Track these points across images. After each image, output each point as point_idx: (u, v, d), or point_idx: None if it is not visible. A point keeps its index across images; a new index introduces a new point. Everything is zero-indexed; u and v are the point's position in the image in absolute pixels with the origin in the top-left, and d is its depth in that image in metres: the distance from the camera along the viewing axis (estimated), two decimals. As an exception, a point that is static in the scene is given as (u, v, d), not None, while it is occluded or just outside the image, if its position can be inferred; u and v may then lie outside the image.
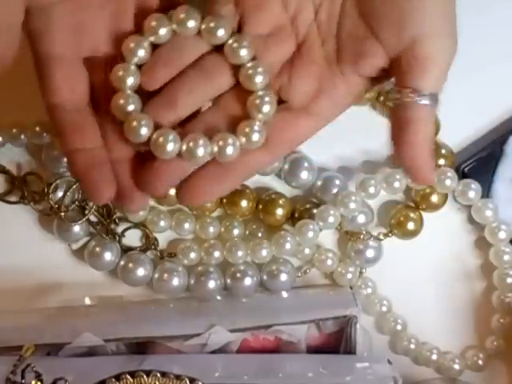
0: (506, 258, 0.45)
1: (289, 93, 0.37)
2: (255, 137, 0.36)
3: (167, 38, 0.36)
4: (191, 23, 0.36)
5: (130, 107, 0.36)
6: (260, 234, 0.46)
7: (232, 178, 0.38)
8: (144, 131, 0.36)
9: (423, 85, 0.36)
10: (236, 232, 0.45)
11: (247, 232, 0.46)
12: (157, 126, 0.36)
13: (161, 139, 0.36)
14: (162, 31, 0.36)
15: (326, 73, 0.37)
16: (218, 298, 0.45)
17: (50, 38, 0.36)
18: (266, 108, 0.36)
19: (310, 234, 0.44)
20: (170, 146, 0.36)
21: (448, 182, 0.44)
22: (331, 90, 0.37)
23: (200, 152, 0.36)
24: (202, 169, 0.37)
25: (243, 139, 0.36)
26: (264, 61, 0.37)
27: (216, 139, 0.36)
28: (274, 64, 0.37)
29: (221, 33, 0.36)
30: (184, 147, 0.36)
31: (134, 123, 0.36)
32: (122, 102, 0.36)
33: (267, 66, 0.37)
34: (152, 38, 0.36)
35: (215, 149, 0.36)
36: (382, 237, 0.46)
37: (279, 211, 0.45)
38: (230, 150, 0.36)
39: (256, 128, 0.36)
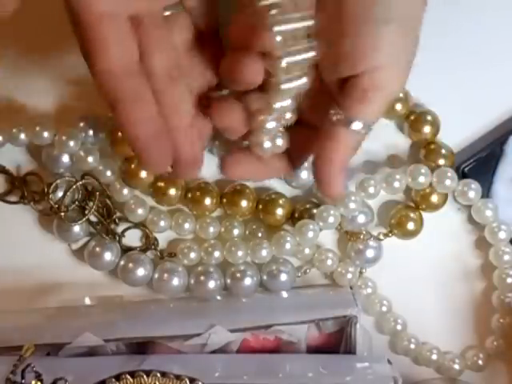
0: (506, 258, 0.45)
1: None
2: None
3: None
4: None
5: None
6: (260, 234, 0.46)
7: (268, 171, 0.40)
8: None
9: (363, 114, 0.35)
10: (236, 232, 0.45)
11: (247, 232, 0.46)
12: None
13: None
14: None
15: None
16: (218, 297, 0.45)
17: None
18: None
19: (310, 234, 0.44)
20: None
21: (448, 182, 0.44)
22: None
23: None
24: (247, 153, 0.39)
25: None
26: None
27: None
28: None
29: None
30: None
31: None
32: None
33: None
34: None
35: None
36: (382, 237, 0.46)
37: (279, 211, 0.45)
38: None
39: None
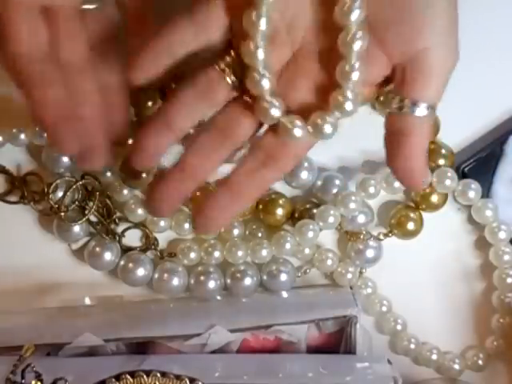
0: (506, 258, 0.45)
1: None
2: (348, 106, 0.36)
3: None
4: None
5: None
6: (260, 234, 0.46)
7: (241, 202, 0.39)
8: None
9: (424, 96, 0.36)
10: (236, 232, 0.45)
11: (247, 232, 0.46)
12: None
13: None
14: None
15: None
16: (218, 297, 0.45)
17: None
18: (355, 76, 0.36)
19: (310, 234, 0.44)
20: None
21: (448, 182, 0.44)
22: None
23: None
24: (213, 198, 0.38)
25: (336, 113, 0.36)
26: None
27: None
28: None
29: None
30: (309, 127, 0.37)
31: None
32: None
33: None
34: None
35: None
36: (382, 237, 0.46)
37: (279, 211, 0.45)
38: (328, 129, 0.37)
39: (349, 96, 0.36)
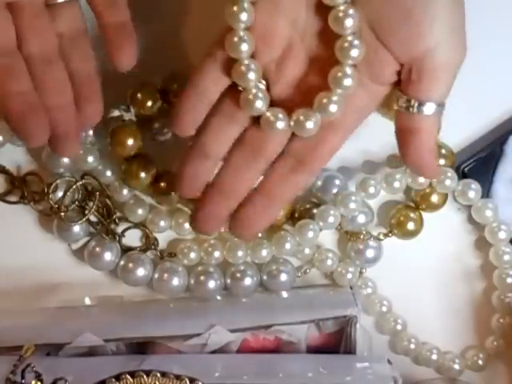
0: (506, 258, 0.45)
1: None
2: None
3: None
4: None
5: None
6: (260, 234, 0.46)
7: (277, 205, 0.40)
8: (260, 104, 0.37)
9: (432, 94, 0.36)
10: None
11: (247, 232, 0.46)
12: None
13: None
14: None
15: None
16: (218, 297, 0.45)
17: None
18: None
19: (310, 234, 0.44)
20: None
21: (448, 182, 0.44)
22: (353, 101, 0.37)
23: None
24: (249, 201, 0.39)
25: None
26: (278, 83, 0.37)
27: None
28: (290, 83, 0.38)
29: None
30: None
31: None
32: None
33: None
34: None
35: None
36: (382, 237, 0.46)
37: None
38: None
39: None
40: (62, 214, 0.44)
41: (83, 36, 0.39)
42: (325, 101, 0.37)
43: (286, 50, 0.37)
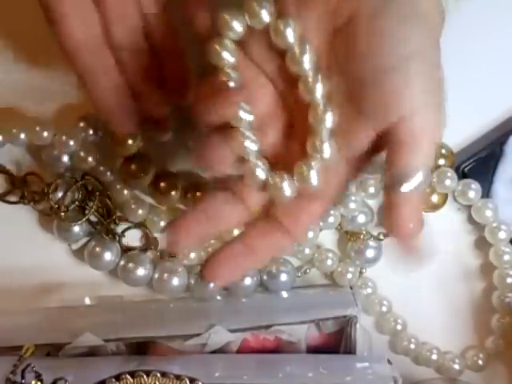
0: (506, 258, 0.45)
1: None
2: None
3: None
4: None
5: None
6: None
7: (255, 259, 0.38)
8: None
9: (413, 161, 0.34)
10: (236, 232, 0.45)
11: (247, 232, 0.46)
12: None
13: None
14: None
15: None
16: (218, 297, 0.45)
17: None
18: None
19: (310, 234, 0.44)
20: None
21: (448, 182, 0.44)
22: (335, 171, 0.35)
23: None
24: (229, 248, 0.37)
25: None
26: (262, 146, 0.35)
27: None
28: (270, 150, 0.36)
29: None
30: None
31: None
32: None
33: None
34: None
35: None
36: (381, 237, 0.46)
37: (279, 211, 0.45)
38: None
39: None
40: (62, 213, 0.44)
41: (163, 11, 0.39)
42: (305, 171, 0.34)
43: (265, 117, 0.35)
